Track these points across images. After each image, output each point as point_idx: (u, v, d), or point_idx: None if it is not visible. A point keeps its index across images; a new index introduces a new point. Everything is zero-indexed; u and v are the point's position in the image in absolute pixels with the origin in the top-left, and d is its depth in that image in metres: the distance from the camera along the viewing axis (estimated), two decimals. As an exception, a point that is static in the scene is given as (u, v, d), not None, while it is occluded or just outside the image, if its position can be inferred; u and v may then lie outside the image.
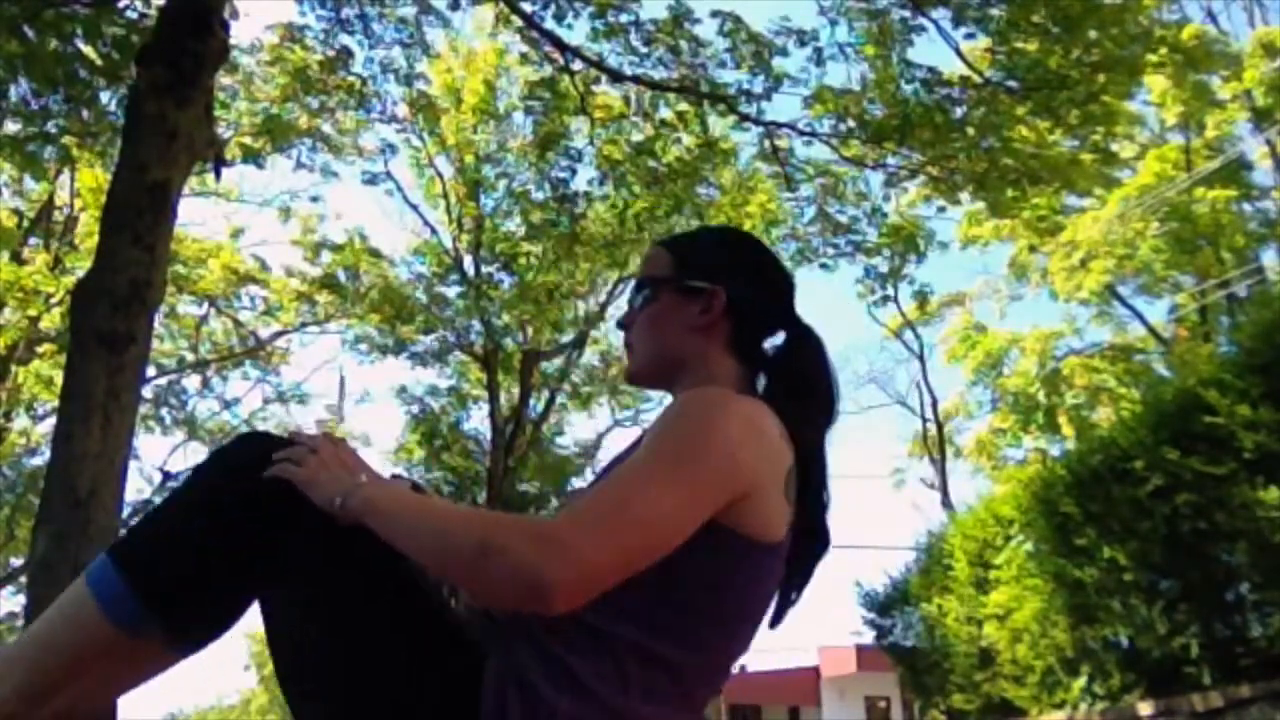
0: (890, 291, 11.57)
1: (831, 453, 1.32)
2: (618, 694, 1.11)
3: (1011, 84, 7.15)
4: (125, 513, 4.12)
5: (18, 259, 11.99)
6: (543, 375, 15.01)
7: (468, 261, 13.86)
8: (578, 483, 16.18)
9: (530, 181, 12.04)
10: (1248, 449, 3.73)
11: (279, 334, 15.14)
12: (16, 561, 14.89)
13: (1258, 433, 3.71)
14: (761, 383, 1.35)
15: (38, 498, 4.47)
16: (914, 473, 23.18)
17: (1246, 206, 18.01)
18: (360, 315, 13.51)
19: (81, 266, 9.66)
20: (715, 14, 7.50)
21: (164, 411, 15.17)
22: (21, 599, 11.69)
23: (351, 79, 8.93)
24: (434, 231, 14.12)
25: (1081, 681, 4.72)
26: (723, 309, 1.34)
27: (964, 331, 20.51)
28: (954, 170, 7.94)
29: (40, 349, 12.53)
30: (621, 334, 1.45)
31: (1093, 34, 6.89)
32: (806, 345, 1.36)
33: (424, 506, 1.16)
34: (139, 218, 4.15)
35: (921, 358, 22.05)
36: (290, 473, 1.18)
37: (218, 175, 6.00)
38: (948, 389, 29.09)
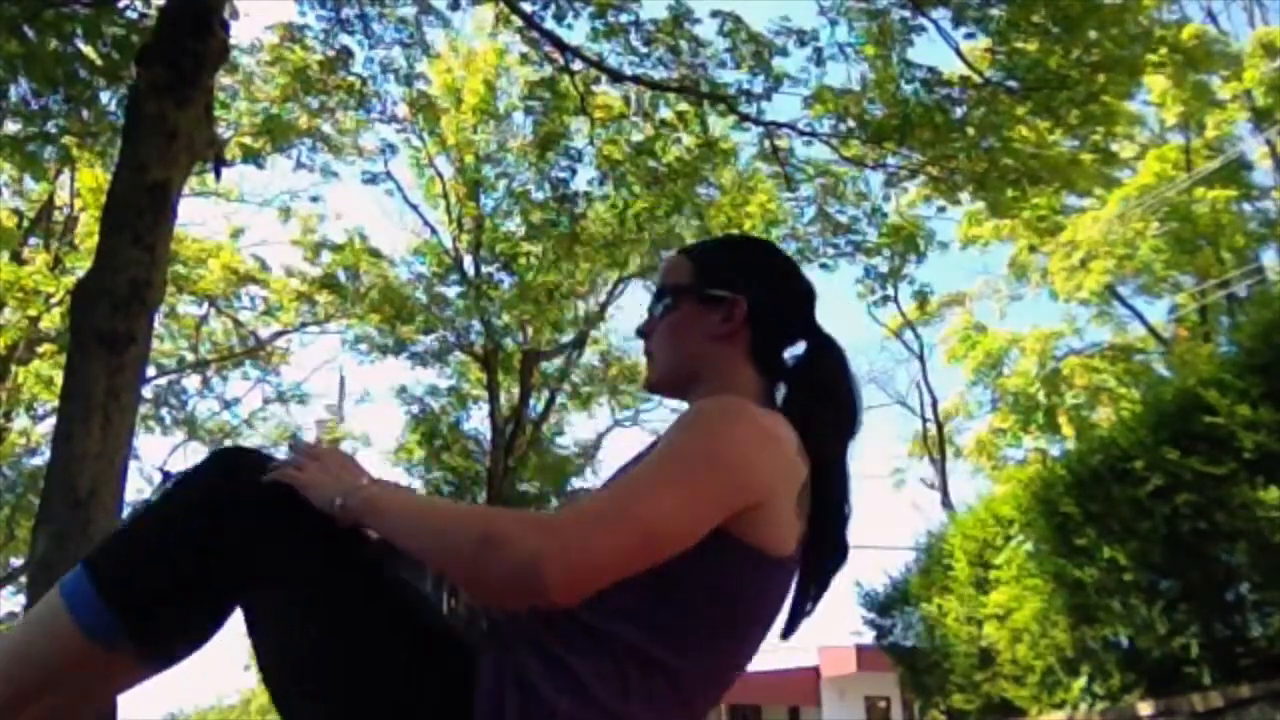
0: (890, 291, 11.59)
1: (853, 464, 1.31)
2: (617, 697, 1.10)
3: (1011, 84, 7.15)
4: (125, 513, 4.11)
5: (18, 259, 11.97)
6: (543, 375, 15.01)
7: (468, 261, 13.87)
8: (578, 483, 16.18)
9: (530, 181, 12.07)
10: (1248, 449, 3.73)
11: (279, 334, 15.12)
12: (16, 561, 14.88)
13: (1258, 433, 3.71)
14: (782, 393, 1.34)
15: (38, 498, 4.47)
16: (914, 473, 23.20)
17: (1246, 206, 18.02)
18: (360, 315, 13.49)
19: (81, 266, 9.65)
20: (715, 14, 7.51)
21: (164, 411, 15.16)
22: (21, 599, 11.70)
23: (351, 79, 8.93)
24: (434, 231, 14.14)
25: (1081, 681, 4.71)
26: (744, 318, 1.33)
27: (964, 331, 20.50)
28: (954, 170, 7.94)
29: (40, 349, 12.51)
30: (637, 340, 1.45)
31: (1093, 34, 6.90)
32: (828, 355, 1.35)
33: (425, 504, 1.17)
34: (139, 218, 4.16)
35: (921, 358, 22.07)
36: (289, 475, 1.18)
37: (218, 175, 6.00)
38: (948, 389, 29.10)
